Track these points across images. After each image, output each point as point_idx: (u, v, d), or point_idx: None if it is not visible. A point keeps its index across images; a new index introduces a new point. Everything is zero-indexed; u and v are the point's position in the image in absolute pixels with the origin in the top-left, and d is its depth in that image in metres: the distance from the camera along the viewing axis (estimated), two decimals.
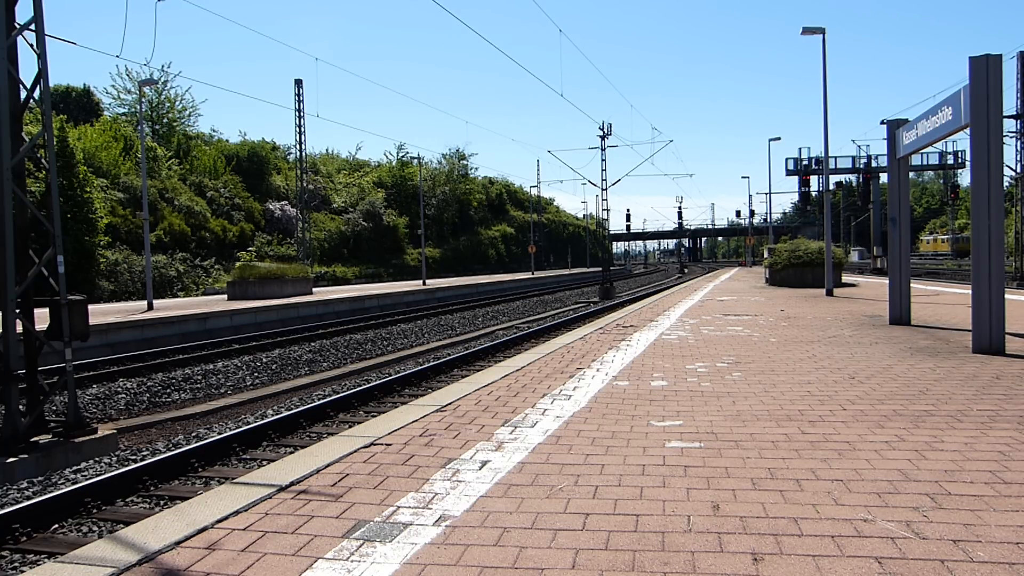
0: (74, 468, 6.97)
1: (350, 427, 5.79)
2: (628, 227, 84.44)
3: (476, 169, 77.42)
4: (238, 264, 29.46)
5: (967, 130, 7.58)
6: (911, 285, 10.91)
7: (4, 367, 7.05)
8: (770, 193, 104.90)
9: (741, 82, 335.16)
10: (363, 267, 48.98)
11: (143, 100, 36.85)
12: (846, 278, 27.63)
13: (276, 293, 25.32)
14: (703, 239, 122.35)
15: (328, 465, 3.85)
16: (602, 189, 38.33)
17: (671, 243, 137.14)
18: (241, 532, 2.94)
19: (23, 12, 7.45)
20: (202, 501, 3.35)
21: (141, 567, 2.63)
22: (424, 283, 35.19)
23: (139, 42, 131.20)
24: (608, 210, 40.35)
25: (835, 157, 44.52)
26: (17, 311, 7.19)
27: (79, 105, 43.00)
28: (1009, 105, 31.75)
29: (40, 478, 6.68)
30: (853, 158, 47.64)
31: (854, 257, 62.36)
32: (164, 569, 2.61)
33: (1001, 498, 3.09)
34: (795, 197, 79.28)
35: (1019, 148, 32.84)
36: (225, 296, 26.39)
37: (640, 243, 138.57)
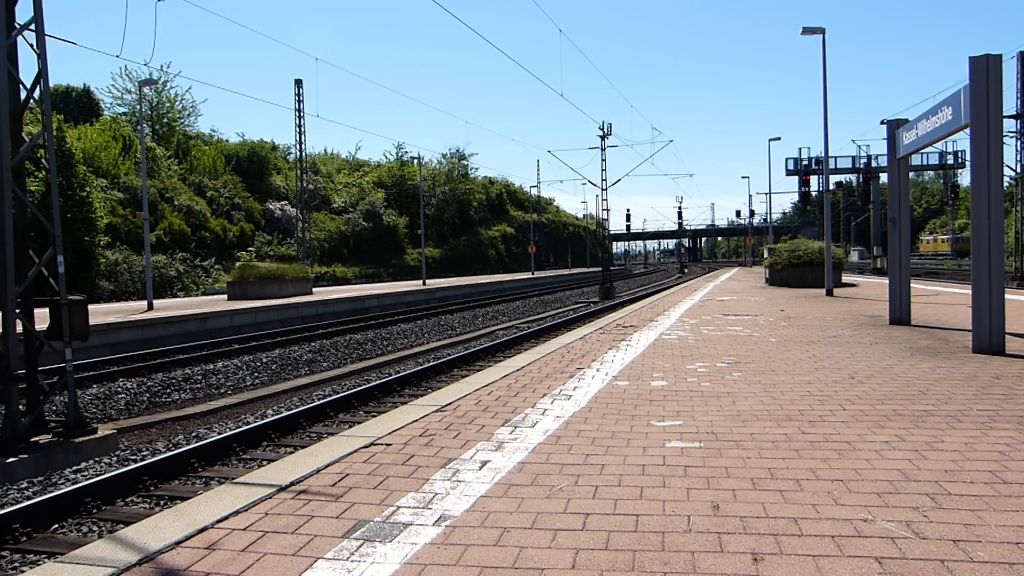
0: (74, 468, 6.97)
1: (350, 427, 5.79)
2: (628, 227, 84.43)
3: (476, 169, 77.51)
4: (238, 264, 29.45)
5: (967, 130, 7.58)
6: (911, 285, 10.91)
7: (4, 367, 7.04)
8: (770, 193, 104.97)
9: (741, 82, 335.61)
10: (363, 267, 48.99)
11: (143, 100, 36.80)
12: (846, 278, 27.62)
13: (276, 293, 25.31)
14: (703, 239, 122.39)
15: (328, 465, 3.85)
16: (602, 189, 38.31)
17: (671, 243, 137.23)
18: (241, 532, 2.94)
19: (23, 12, 7.45)
20: (202, 501, 3.35)
21: (141, 567, 2.63)
22: (424, 283, 35.18)
23: (139, 42, 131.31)
24: (608, 210, 40.30)
25: (835, 157, 44.61)
26: (17, 311, 7.19)
27: (79, 105, 42.97)
28: (1009, 105, 31.78)
29: (40, 478, 6.67)
30: (853, 158, 47.70)
31: (854, 257, 62.35)
32: (164, 569, 2.61)
33: (1001, 498, 3.09)
34: (795, 197, 79.37)
35: (1019, 148, 32.86)
36: (225, 296, 26.37)
37: (640, 243, 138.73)
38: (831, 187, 28.45)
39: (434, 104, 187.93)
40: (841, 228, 70.44)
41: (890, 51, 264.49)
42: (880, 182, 42.43)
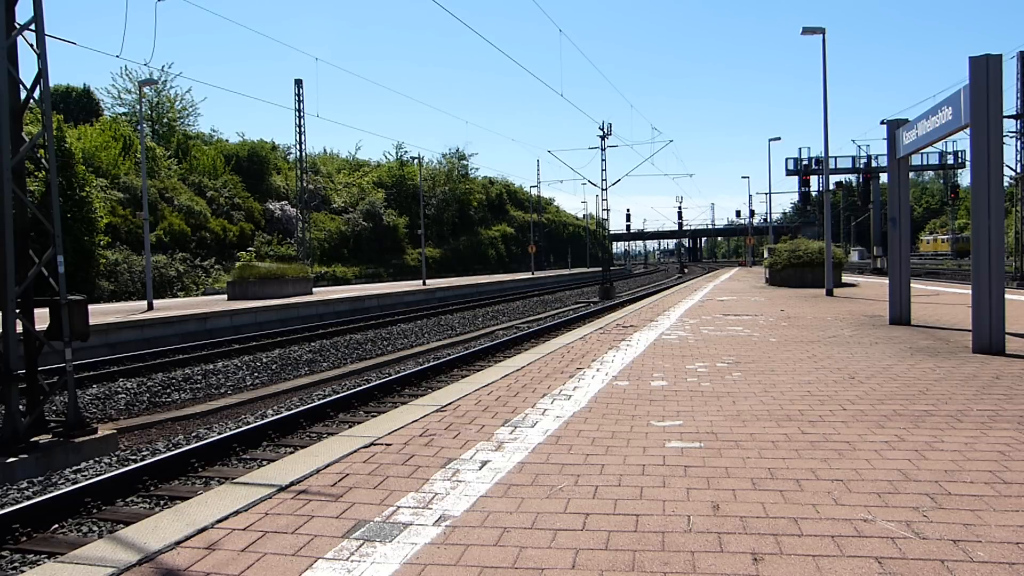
0: (74, 468, 6.97)
1: (350, 427, 5.79)
2: (628, 227, 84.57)
3: (476, 169, 77.53)
4: (238, 264, 29.43)
5: (967, 130, 7.58)
6: (911, 285, 10.91)
7: (4, 367, 7.04)
8: (770, 193, 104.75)
9: (741, 82, 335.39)
10: (363, 267, 48.98)
11: (143, 100, 36.81)
12: (846, 278, 27.63)
13: (276, 293, 25.31)
14: (703, 239, 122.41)
15: (328, 465, 3.85)
16: (602, 189, 38.33)
17: (671, 243, 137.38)
18: (241, 532, 2.94)
19: (23, 12, 7.45)
20: (202, 501, 3.35)
21: (141, 567, 2.63)
22: (424, 283, 35.18)
23: (139, 42, 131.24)
24: (608, 210, 40.33)
25: (835, 157, 44.56)
26: (17, 311, 7.19)
27: (79, 105, 42.97)
28: (1009, 105, 31.78)
29: (40, 478, 6.67)
30: (853, 158, 47.69)
31: (854, 257, 62.37)
32: (164, 569, 2.61)
33: (1001, 498, 3.09)
34: (795, 197, 79.51)
35: (1019, 148, 32.85)
36: (225, 296, 26.37)
37: (640, 243, 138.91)
38: (831, 187, 28.43)
39: (434, 104, 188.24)
40: (841, 228, 70.45)
41: (890, 51, 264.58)
42: (880, 182, 42.38)
